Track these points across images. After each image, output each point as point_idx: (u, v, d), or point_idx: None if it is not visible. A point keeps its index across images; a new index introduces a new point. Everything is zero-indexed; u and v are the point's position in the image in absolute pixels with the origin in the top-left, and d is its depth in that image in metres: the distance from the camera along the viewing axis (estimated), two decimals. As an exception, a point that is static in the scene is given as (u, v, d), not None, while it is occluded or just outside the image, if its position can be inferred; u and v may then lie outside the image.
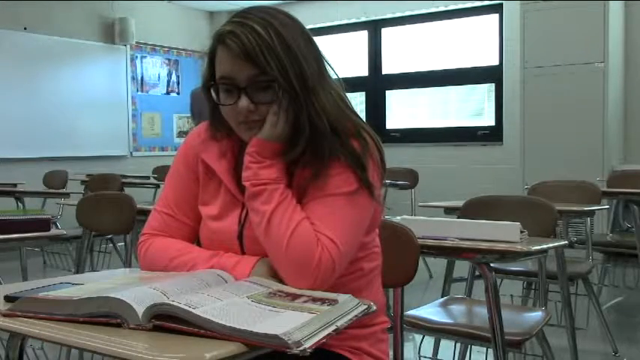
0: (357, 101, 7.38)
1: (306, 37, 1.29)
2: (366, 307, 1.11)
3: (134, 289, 1.08)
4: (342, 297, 1.11)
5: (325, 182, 1.25)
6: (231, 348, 0.92)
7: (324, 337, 0.96)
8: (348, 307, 1.08)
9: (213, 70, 1.29)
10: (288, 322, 0.96)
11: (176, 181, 1.43)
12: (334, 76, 1.34)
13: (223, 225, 1.34)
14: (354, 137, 1.28)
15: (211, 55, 1.30)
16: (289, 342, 0.90)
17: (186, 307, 0.97)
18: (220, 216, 1.35)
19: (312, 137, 1.26)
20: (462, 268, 2.79)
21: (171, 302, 0.99)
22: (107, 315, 1.02)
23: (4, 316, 1.07)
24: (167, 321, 0.98)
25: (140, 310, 1.00)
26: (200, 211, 1.39)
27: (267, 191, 1.24)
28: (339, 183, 1.25)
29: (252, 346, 0.93)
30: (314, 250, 1.19)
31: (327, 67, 1.33)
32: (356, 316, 1.08)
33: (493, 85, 6.62)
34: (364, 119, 1.36)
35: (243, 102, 1.25)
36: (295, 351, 0.90)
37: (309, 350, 0.91)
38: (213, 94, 1.30)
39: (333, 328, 1.00)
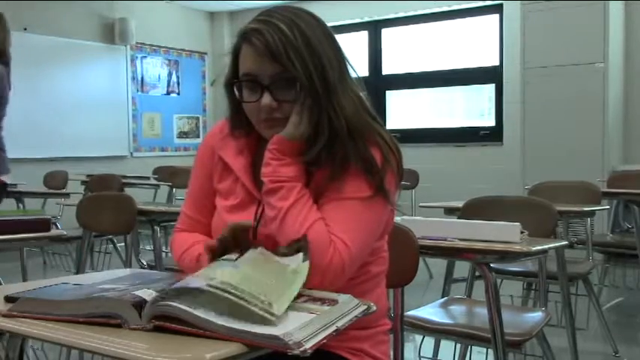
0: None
1: (330, 37, 1.30)
2: (365, 307, 1.11)
3: (138, 290, 1.08)
4: (342, 297, 1.10)
5: (342, 185, 1.26)
6: (232, 348, 0.92)
7: (324, 338, 0.96)
8: (348, 307, 1.08)
9: (236, 67, 1.30)
10: (288, 323, 0.96)
11: (193, 181, 1.47)
12: (354, 75, 1.34)
13: (238, 220, 1.33)
14: (371, 141, 1.28)
15: (235, 52, 1.30)
16: (290, 343, 0.90)
17: (187, 308, 0.97)
18: (236, 211, 1.36)
19: (330, 138, 1.26)
20: (462, 268, 2.78)
21: (172, 303, 0.99)
22: (107, 315, 1.01)
23: (4, 316, 1.07)
24: (167, 321, 0.98)
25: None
26: (217, 203, 1.41)
27: (284, 188, 1.25)
28: (356, 187, 1.26)
29: (252, 347, 0.93)
30: (326, 250, 1.20)
31: (349, 68, 1.33)
32: (356, 316, 1.07)
33: (493, 85, 6.62)
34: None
35: (266, 99, 1.26)
36: (296, 352, 0.90)
37: (309, 351, 0.91)
38: (236, 91, 1.31)
39: (334, 328, 0.99)
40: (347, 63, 1.33)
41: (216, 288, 0.99)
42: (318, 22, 1.30)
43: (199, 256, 1.31)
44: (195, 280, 1.03)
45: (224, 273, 1.05)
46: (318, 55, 1.25)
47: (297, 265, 1.14)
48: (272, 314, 0.96)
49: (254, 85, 1.27)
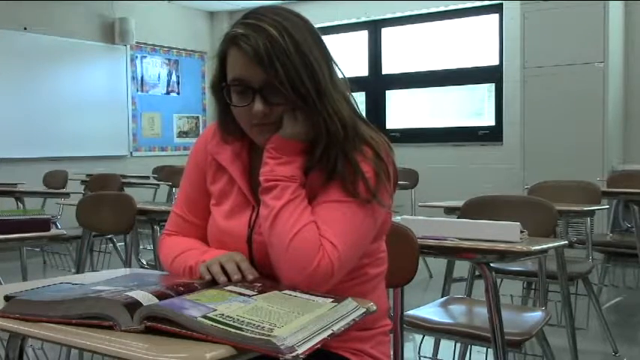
0: (357, 101, 7.36)
1: (316, 37, 1.29)
2: (365, 310, 1.10)
3: (132, 292, 1.07)
4: (341, 300, 1.09)
5: (335, 188, 1.26)
6: (229, 349, 0.91)
7: (318, 342, 0.94)
8: (345, 310, 1.07)
9: (223, 70, 1.29)
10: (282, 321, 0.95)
11: (186, 182, 1.46)
12: (340, 76, 1.33)
13: (232, 225, 1.34)
14: (365, 145, 1.28)
15: (222, 56, 1.29)
16: (282, 347, 0.88)
17: (178, 310, 0.96)
18: (230, 216, 1.35)
19: (327, 141, 1.25)
20: (462, 268, 2.78)
21: (163, 304, 0.98)
22: (98, 317, 1.00)
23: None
24: (159, 323, 0.97)
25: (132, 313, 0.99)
26: (211, 209, 1.40)
27: (278, 187, 1.24)
28: (348, 190, 1.25)
29: (242, 350, 0.91)
30: (315, 253, 1.19)
31: (335, 68, 1.33)
32: (354, 319, 1.06)
33: (493, 85, 6.62)
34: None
35: (259, 106, 1.25)
36: (288, 357, 0.87)
37: (302, 356, 0.89)
38: (225, 95, 1.30)
39: (329, 332, 0.97)
40: (334, 64, 1.32)
41: (213, 320, 0.94)
42: (306, 24, 1.29)
43: (192, 269, 1.30)
44: (191, 306, 0.99)
45: (230, 307, 1.00)
46: (308, 58, 1.24)
47: (323, 301, 1.09)
48: (268, 336, 0.90)
49: (245, 90, 1.26)
